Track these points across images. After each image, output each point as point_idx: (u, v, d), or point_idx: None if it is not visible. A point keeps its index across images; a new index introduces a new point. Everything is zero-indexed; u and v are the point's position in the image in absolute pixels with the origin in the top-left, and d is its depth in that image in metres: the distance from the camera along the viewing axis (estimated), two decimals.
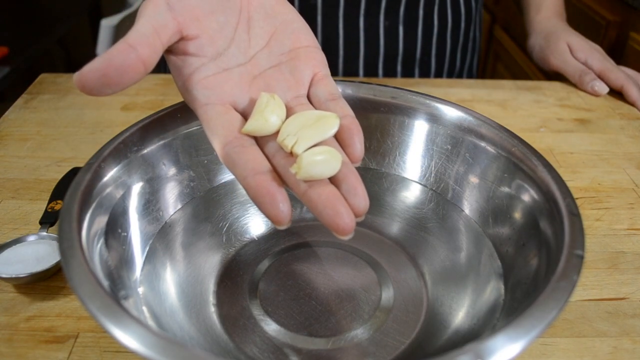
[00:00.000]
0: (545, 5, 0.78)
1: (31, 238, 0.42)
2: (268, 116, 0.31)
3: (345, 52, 0.73)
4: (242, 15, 0.35)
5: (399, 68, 0.75)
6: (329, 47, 0.72)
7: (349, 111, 0.33)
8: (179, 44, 0.32)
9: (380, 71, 0.75)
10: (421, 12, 0.72)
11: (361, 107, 0.45)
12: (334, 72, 0.73)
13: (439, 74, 0.78)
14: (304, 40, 0.36)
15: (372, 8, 0.70)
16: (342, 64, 0.73)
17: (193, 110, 0.33)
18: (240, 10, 0.35)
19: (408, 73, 0.76)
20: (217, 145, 0.31)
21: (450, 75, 0.80)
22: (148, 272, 0.36)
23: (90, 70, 0.28)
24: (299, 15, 0.37)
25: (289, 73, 0.35)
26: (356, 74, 0.74)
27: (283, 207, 0.28)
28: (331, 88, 0.35)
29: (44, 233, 0.42)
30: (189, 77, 0.33)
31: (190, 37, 0.32)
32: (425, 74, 0.77)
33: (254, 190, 0.29)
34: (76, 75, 0.28)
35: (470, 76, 0.85)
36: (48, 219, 0.44)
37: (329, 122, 0.32)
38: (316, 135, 0.31)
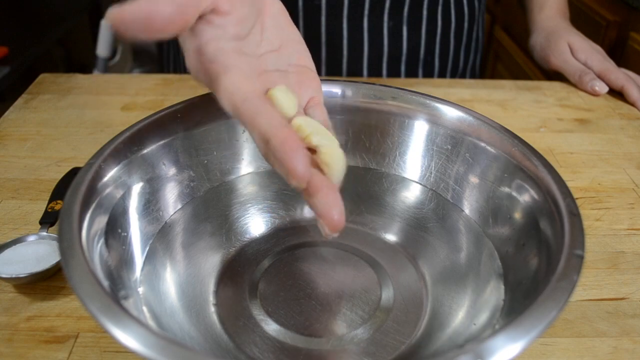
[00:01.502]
0: (548, 4, 0.78)
1: (31, 238, 0.42)
2: (291, 97, 0.33)
3: (349, 52, 0.73)
4: (259, 18, 0.35)
5: (402, 68, 0.76)
6: (332, 47, 0.72)
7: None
8: (208, 14, 0.32)
9: (384, 71, 0.75)
10: (425, 12, 0.72)
11: (361, 107, 0.45)
12: (337, 72, 0.74)
13: (442, 74, 0.78)
14: (308, 63, 0.37)
15: (376, 8, 0.70)
16: (346, 64, 0.74)
17: (204, 71, 0.32)
18: (260, 12, 0.35)
19: (412, 73, 0.76)
20: (237, 95, 0.30)
21: (453, 75, 0.80)
22: (148, 272, 0.36)
23: (132, 9, 0.27)
24: (303, 40, 0.38)
25: (294, 84, 0.35)
26: (360, 74, 0.74)
27: (305, 160, 0.27)
28: (325, 116, 0.36)
29: (44, 233, 0.42)
30: (208, 42, 0.32)
31: (221, 11, 0.32)
32: (428, 74, 0.77)
33: (280, 139, 0.28)
34: (114, 11, 0.27)
35: (473, 76, 0.85)
36: (48, 219, 0.44)
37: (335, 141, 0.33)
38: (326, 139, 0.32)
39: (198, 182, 0.42)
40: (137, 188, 0.38)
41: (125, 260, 0.35)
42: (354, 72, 0.74)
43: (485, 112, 0.43)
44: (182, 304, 0.36)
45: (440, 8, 0.73)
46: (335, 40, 0.72)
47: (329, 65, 0.73)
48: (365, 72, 0.74)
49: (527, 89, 0.70)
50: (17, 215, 0.46)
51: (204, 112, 0.42)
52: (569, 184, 0.35)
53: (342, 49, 0.72)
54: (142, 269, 0.36)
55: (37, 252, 0.40)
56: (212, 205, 0.42)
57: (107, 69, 1.44)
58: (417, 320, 0.36)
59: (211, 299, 0.37)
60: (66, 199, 0.31)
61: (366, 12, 0.70)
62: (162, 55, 0.85)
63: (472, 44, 0.81)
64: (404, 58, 0.75)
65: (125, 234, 0.36)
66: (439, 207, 0.43)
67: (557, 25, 0.76)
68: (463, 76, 0.82)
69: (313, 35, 0.71)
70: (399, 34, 0.73)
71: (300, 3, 0.69)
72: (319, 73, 0.75)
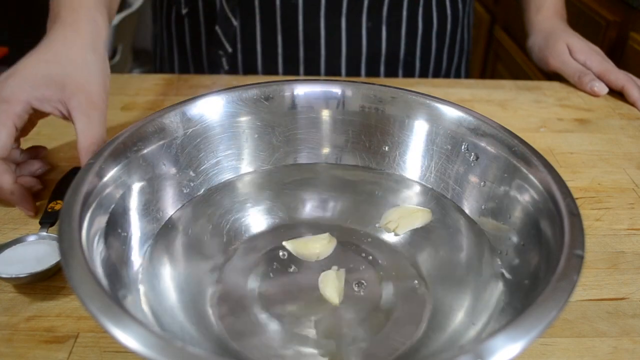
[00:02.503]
0: (546, 5, 0.78)
1: (31, 238, 0.42)
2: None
3: (327, 51, 0.72)
4: None
5: (382, 68, 0.75)
6: (310, 46, 0.72)
7: None
8: None
9: (363, 71, 0.75)
10: (405, 13, 0.72)
11: (361, 107, 0.45)
12: (315, 71, 0.74)
13: (423, 75, 0.78)
14: None
15: (354, 8, 0.70)
16: (324, 63, 0.73)
17: None
18: None
19: (391, 73, 0.76)
20: None
21: (436, 76, 0.79)
22: (148, 272, 0.36)
23: None
24: None
25: None
26: (338, 74, 0.74)
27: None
28: None
29: (44, 233, 0.42)
30: None
31: None
32: (409, 74, 0.77)
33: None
34: None
35: (457, 78, 0.84)
36: (48, 219, 0.44)
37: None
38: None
39: (198, 182, 0.42)
40: (137, 188, 0.38)
41: (125, 260, 0.35)
42: (332, 71, 0.74)
43: (485, 112, 0.43)
44: (182, 303, 0.36)
45: (421, 9, 0.73)
46: (312, 39, 0.72)
47: (307, 64, 0.73)
48: (343, 71, 0.74)
49: (527, 89, 0.70)
50: (17, 215, 0.46)
51: (204, 111, 0.42)
52: (569, 184, 0.35)
53: (320, 48, 0.72)
54: (142, 269, 0.36)
55: (37, 252, 0.40)
56: (212, 205, 0.42)
57: None
58: (417, 321, 0.36)
59: (211, 298, 0.37)
60: (66, 199, 0.31)
61: (344, 11, 0.70)
62: (161, 55, 0.85)
63: (457, 46, 0.80)
64: (383, 58, 0.74)
65: (125, 234, 0.36)
66: (439, 207, 0.43)
67: (554, 26, 0.76)
68: (447, 78, 0.82)
69: (290, 34, 0.71)
70: (377, 34, 0.72)
71: (278, 2, 0.69)
72: (297, 72, 0.75)
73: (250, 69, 0.74)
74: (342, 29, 0.71)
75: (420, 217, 0.42)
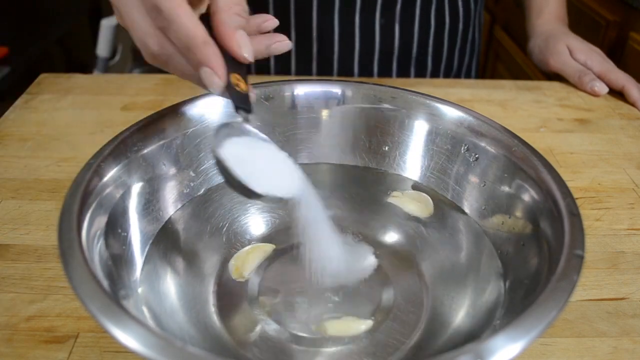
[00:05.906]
0: (547, 9, 0.79)
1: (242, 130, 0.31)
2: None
3: (340, 48, 0.73)
4: None
5: (394, 66, 0.75)
6: (324, 43, 0.73)
7: None
8: None
9: (376, 68, 0.75)
10: (418, 11, 0.72)
11: (361, 107, 0.45)
12: (328, 68, 0.74)
13: (435, 74, 0.78)
14: None
15: (368, 5, 0.71)
16: (337, 60, 0.74)
17: None
18: None
19: (404, 71, 0.76)
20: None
21: (447, 75, 0.80)
22: (148, 272, 0.36)
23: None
24: None
25: None
26: (351, 71, 0.75)
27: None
28: None
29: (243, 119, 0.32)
30: None
31: None
32: (421, 73, 0.77)
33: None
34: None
35: (468, 78, 0.85)
36: (242, 102, 0.31)
37: None
38: None
39: (198, 182, 0.42)
40: (137, 188, 0.38)
41: (125, 260, 0.35)
42: (345, 68, 0.74)
43: (485, 112, 0.43)
44: (182, 303, 0.36)
45: (433, 7, 0.73)
46: (326, 36, 0.72)
47: (320, 61, 0.74)
48: (356, 68, 0.75)
49: (527, 89, 0.70)
50: (17, 215, 0.46)
51: (204, 111, 0.42)
52: (569, 184, 0.35)
53: (334, 45, 0.73)
54: (142, 269, 0.36)
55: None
56: (212, 205, 0.42)
57: (107, 69, 1.44)
58: (417, 320, 0.36)
59: (211, 299, 0.37)
60: (66, 199, 0.31)
61: (358, 8, 0.71)
62: None
63: (468, 46, 0.81)
64: (395, 56, 0.75)
65: (125, 234, 0.36)
66: (439, 207, 0.43)
67: (555, 28, 0.77)
68: (457, 77, 0.82)
69: (304, 30, 0.72)
70: (390, 31, 0.73)
71: None
72: (310, 70, 0.75)
73: (263, 65, 0.75)
74: (356, 25, 0.72)
75: (417, 208, 0.43)
